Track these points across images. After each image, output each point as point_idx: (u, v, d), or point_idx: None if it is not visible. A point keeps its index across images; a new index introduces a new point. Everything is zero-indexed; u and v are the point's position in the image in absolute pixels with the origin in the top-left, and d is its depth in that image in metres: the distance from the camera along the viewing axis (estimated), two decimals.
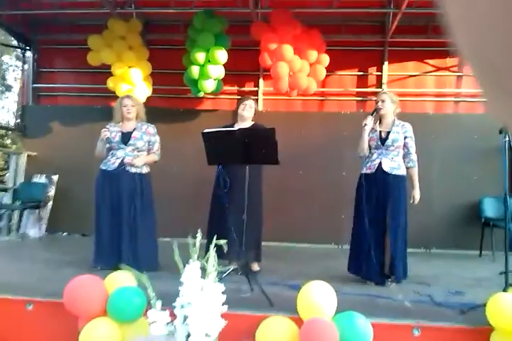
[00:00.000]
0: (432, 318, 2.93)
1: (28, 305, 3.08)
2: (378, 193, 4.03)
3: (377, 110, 4.16)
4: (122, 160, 4.43)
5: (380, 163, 4.06)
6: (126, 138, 4.48)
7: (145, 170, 4.57)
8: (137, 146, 4.49)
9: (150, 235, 4.49)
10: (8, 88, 20.63)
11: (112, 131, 4.49)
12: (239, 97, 5.63)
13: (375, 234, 3.97)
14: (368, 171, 4.11)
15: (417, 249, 6.37)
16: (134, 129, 4.55)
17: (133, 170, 4.46)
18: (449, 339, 2.82)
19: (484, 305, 2.81)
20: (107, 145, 4.49)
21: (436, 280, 4.24)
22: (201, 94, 6.77)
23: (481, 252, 6.12)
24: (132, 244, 4.33)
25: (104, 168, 4.47)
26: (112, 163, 4.44)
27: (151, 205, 4.55)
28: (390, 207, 3.98)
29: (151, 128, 4.63)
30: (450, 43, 0.35)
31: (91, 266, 4.29)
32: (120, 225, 4.35)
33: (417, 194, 4.16)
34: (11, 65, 19.75)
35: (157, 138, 4.66)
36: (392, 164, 4.07)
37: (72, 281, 2.59)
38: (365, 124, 4.10)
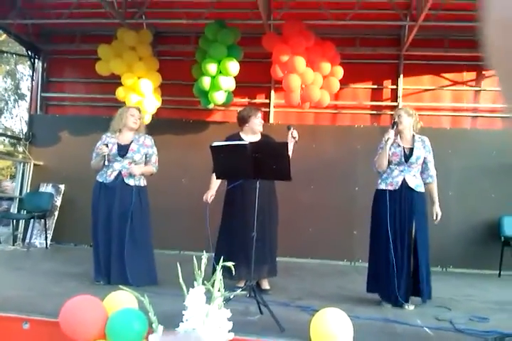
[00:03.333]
0: None
1: (25, 323, 2.91)
2: (404, 210, 3.84)
3: (396, 123, 3.97)
4: (119, 173, 4.30)
5: (404, 180, 3.89)
6: (123, 150, 4.34)
7: (143, 182, 4.44)
8: (134, 159, 4.35)
9: (148, 249, 4.38)
10: (22, 97, 20.73)
11: (108, 143, 4.34)
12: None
13: (401, 252, 3.77)
14: (390, 188, 3.90)
15: (434, 268, 6.08)
16: (132, 142, 4.40)
17: (131, 183, 4.32)
18: None
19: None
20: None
21: (456, 303, 4.03)
22: (211, 106, 6.63)
23: (500, 272, 5.94)
24: (129, 258, 4.18)
25: (100, 180, 4.35)
26: (109, 175, 4.31)
27: (148, 218, 4.43)
28: (416, 225, 3.81)
29: (149, 140, 4.48)
30: (481, 51, 0.33)
31: (94, 280, 4.19)
32: (116, 239, 4.22)
33: (438, 210, 3.98)
34: (25, 75, 19.92)
35: (154, 150, 4.50)
36: (416, 181, 3.92)
37: (68, 302, 2.42)
38: (388, 138, 3.90)
